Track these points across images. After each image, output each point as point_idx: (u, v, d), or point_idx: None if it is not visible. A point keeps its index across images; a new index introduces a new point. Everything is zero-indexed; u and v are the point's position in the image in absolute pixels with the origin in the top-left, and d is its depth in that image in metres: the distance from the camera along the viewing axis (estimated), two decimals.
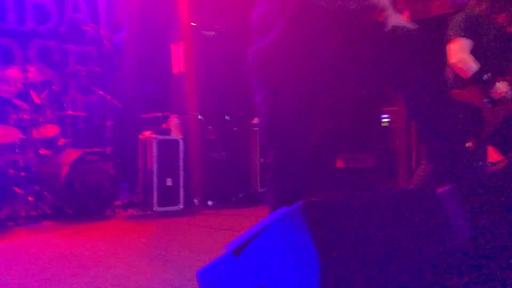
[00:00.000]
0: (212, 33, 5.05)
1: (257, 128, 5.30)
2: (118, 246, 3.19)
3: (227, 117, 5.11)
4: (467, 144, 3.86)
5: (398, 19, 2.01)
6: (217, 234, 3.56)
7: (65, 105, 4.98)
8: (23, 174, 4.38)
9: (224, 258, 1.38)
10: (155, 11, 5.97)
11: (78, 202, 4.16)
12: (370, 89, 2.09)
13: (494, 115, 2.87)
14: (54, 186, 4.21)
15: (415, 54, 1.81)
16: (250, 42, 1.92)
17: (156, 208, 4.56)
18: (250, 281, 1.28)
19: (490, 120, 2.86)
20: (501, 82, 2.82)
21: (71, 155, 4.24)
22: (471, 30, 2.82)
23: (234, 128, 5.15)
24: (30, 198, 4.14)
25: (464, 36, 2.81)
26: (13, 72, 4.34)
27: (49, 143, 4.60)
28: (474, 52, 2.82)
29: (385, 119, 5.35)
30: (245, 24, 5.27)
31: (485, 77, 2.79)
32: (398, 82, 1.87)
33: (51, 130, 4.54)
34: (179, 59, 5.01)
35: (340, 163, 5.88)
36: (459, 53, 2.77)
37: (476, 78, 2.78)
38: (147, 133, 4.80)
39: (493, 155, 3.06)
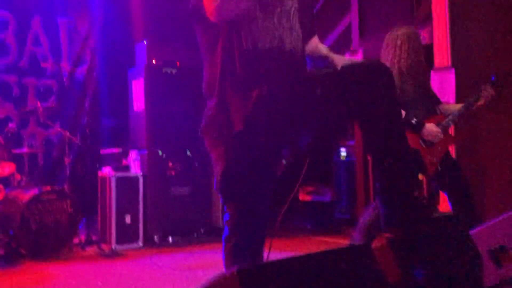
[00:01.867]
0: (173, 70, 5.10)
1: None
2: None
3: (188, 152, 5.14)
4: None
5: (343, 59, 2.10)
6: (175, 274, 3.54)
7: (23, 140, 4.92)
8: None
9: None
10: (117, 47, 6.01)
11: (34, 242, 4.06)
12: (325, 126, 2.10)
13: (432, 156, 3.02)
14: (8, 226, 4.11)
15: (367, 83, 1.75)
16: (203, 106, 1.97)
17: (114, 246, 4.51)
18: None
19: (430, 161, 3.01)
20: (430, 123, 3.00)
21: (26, 193, 4.17)
22: None
23: (195, 163, 5.17)
24: None
25: None
26: None
27: (4, 181, 4.51)
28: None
29: (343, 152, 5.49)
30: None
31: (413, 121, 2.96)
32: (352, 114, 1.88)
33: (6, 168, 4.45)
34: (139, 95, 5.03)
35: (302, 196, 5.97)
36: None
37: (405, 123, 2.94)
38: (106, 170, 4.77)
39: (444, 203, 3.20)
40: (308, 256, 1.38)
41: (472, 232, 2.01)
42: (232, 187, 1.88)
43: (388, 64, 3.07)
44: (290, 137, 2.02)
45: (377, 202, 3.08)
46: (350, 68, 1.85)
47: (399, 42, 3.07)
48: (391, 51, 3.08)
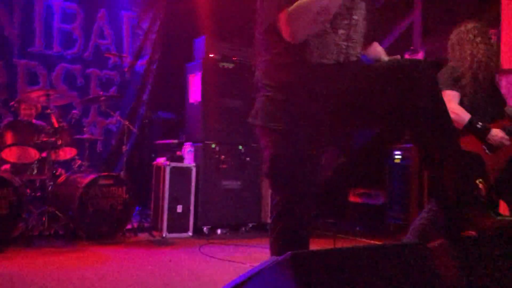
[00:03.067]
0: (231, 65, 5.17)
1: None
2: (125, 273, 3.24)
3: (240, 147, 5.18)
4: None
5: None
6: (223, 265, 3.59)
7: (84, 128, 5.14)
8: (39, 194, 4.52)
9: None
10: (177, 41, 6.16)
11: (90, 224, 4.24)
12: (378, 126, 2.10)
13: (495, 161, 2.88)
14: (67, 208, 4.31)
15: (410, 86, 1.72)
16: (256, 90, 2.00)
17: (165, 234, 4.62)
18: None
19: (492, 166, 2.87)
20: (496, 129, 2.85)
21: (85, 177, 4.35)
22: (456, 82, 2.89)
23: (247, 158, 5.21)
24: (44, 218, 4.23)
25: (452, 88, 2.87)
26: (36, 95, 4.50)
27: (66, 164, 4.74)
28: (462, 102, 2.89)
29: (398, 156, 5.35)
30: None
31: (479, 125, 2.82)
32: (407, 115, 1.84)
33: (68, 153, 4.67)
34: (196, 89, 5.13)
35: (353, 198, 5.88)
36: (450, 104, 2.81)
37: (470, 127, 2.82)
38: (161, 159, 4.90)
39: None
40: (364, 248, 1.36)
41: None
42: (280, 173, 1.90)
43: (460, 56, 2.94)
44: (336, 130, 2.03)
45: (433, 204, 2.98)
46: (393, 66, 1.82)
47: (471, 36, 2.93)
48: (465, 46, 2.94)
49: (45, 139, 4.36)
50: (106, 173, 4.49)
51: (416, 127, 1.76)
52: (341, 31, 1.88)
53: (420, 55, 4.70)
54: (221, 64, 5.13)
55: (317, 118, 1.90)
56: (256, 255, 3.98)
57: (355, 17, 1.91)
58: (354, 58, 1.91)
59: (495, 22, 4.40)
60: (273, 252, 1.95)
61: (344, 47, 1.88)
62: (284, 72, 1.89)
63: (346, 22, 1.89)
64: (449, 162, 1.71)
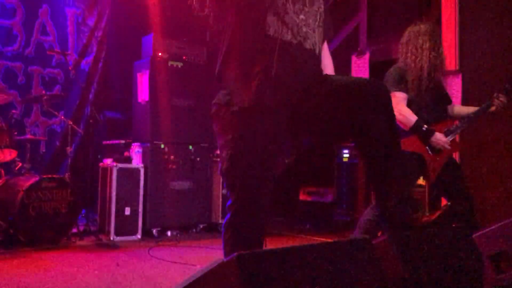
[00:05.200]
0: (180, 64, 5.09)
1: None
2: (69, 279, 3.12)
3: (190, 147, 5.12)
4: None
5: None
6: (172, 267, 3.53)
7: (26, 128, 4.91)
8: None
9: None
10: (124, 39, 6.01)
11: (32, 229, 4.05)
12: (329, 132, 2.15)
13: (435, 161, 3.00)
14: (7, 212, 4.10)
15: (370, 102, 1.83)
16: (215, 90, 1.98)
17: (113, 237, 4.50)
18: None
19: (432, 166, 2.99)
20: (440, 133, 2.96)
21: (27, 180, 4.16)
22: (404, 82, 2.97)
23: (197, 158, 5.15)
24: None
25: (400, 90, 2.95)
26: None
27: (5, 167, 4.51)
28: (408, 101, 2.98)
29: (346, 154, 5.47)
30: (211, 58, 5.35)
31: (424, 128, 2.93)
32: (353, 127, 1.91)
33: (8, 154, 4.44)
34: (144, 88, 5.02)
35: (303, 196, 5.95)
36: (398, 106, 2.89)
37: (416, 129, 2.92)
38: (108, 161, 4.77)
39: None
40: (309, 246, 1.36)
41: (474, 235, 2.00)
42: (237, 173, 1.88)
43: (407, 60, 3.01)
44: (293, 132, 2.04)
45: (376, 202, 3.07)
46: (357, 85, 1.87)
47: (420, 42, 2.98)
48: (412, 50, 3.00)
49: None
50: (49, 175, 4.31)
51: (368, 143, 1.83)
52: (301, 16, 1.89)
53: (366, 56, 4.82)
54: (170, 63, 5.05)
55: (277, 124, 1.91)
56: (207, 256, 3.94)
57: (315, 7, 1.94)
58: (309, 46, 1.92)
59: (436, 24, 4.57)
60: (227, 253, 1.93)
61: (304, 30, 1.89)
62: (242, 47, 1.86)
63: (306, 9, 1.91)
64: (394, 172, 1.79)
